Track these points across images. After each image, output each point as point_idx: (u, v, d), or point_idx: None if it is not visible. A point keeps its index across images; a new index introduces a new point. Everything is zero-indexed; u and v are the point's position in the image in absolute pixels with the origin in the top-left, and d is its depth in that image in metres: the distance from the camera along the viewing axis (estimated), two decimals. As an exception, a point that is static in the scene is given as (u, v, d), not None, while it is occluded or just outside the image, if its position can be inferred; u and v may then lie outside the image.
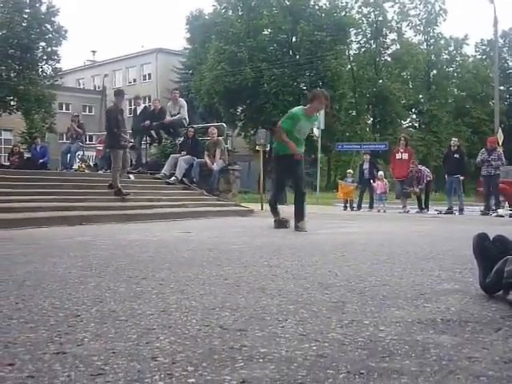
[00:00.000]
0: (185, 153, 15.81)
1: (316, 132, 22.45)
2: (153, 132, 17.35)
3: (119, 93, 13.39)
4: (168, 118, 16.92)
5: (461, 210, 16.96)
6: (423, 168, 18.16)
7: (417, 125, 59.57)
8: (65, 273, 4.04)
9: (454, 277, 3.96)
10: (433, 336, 2.33)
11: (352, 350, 2.11)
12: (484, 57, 61.91)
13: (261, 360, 1.97)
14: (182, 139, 16.88)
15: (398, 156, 17.76)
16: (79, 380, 1.74)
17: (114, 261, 4.73)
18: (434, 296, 3.23)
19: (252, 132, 46.25)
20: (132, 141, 12.64)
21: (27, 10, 41.42)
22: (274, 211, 9.40)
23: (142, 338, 2.24)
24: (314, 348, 2.13)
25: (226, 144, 17.34)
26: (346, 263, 4.70)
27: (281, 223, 9.24)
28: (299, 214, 8.90)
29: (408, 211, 17.31)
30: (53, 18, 42.46)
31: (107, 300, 3.05)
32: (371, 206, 19.08)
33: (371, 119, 56.97)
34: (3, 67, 41.15)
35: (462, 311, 2.84)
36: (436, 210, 17.64)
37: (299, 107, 9.37)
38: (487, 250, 3.29)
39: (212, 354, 2.04)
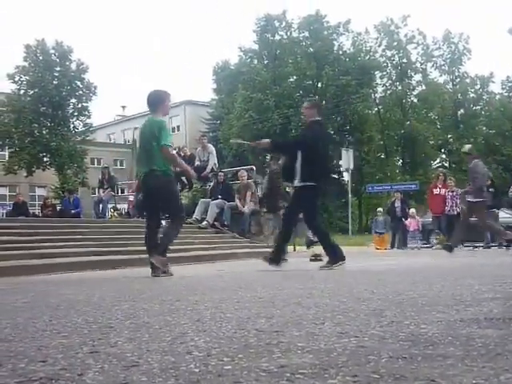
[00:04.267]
0: (216, 197, 15.84)
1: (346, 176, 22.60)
2: (183, 178, 17.43)
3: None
4: (197, 163, 17.02)
5: (500, 244, 16.52)
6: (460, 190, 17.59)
7: (447, 164, 59.03)
8: (98, 300, 4.01)
9: (494, 289, 3.84)
10: (477, 330, 2.24)
11: (394, 343, 2.03)
12: (511, 94, 61.53)
13: (299, 351, 1.91)
14: (212, 184, 16.93)
15: (436, 191, 17.44)
16: (113, 370, 1.69)
17: (147, 289, 4.70)
18: (475, 302, 3.12)
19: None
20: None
21: (58, 69, 42.58)
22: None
23: (176, 340, 2.19)
24: (354, 342, 2.06)
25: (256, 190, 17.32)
26: (382, 284, 4.60)
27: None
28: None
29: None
30: (82, 75, 43.62)
31: (141, 315, 3.00)
32: (405, 244, 18.85)
33: (400, 161, 56.72)
34: (36, 125, 42.16)
35: (506, 312, 2.74)
36: (472, 245, 17.31)
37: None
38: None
39: (248, 348, 1.98)
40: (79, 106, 44.08)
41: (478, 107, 59.58)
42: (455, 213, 16.71)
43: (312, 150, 7.37)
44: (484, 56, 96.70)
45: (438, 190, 17.38)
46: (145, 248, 7.19)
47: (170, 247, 7.27)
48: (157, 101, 7.06)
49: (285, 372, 1.62)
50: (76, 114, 44.41)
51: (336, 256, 7.39)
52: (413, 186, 32.85)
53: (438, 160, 59.48)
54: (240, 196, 15.69)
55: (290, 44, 51.64)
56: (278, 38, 52.90)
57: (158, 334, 2.36)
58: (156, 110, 7.05)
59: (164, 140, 6.70)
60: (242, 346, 2.02)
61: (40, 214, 21.86)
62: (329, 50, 49.28)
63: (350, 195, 31.02)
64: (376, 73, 52.59)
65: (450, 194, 16.95)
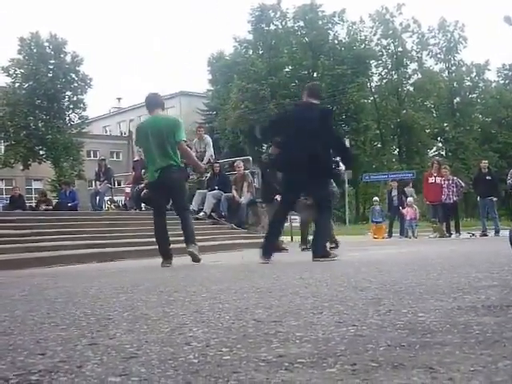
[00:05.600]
0: (213, 188, 15.83)
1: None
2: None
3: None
4: (194, 154, 16.98)
5: (496, 232, 16.47)
6: (455, 178, 17.59)
7: (443, 153, 59.00)
8: (96, 292, 4.01)
9: (491, 276, 3.85)
10: (475, 318, 2.25)
11: (391, 331, 2.04)
12: (507, 81, 61.49)
13: (297, 341, 1.91)
14: (208, 175, 16.91)
15: (431, 180, 17.35)
16: (112, 362, 1.70)
17: (145, 281, 4.71)
18: (472, 290, 3.13)
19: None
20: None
21: (52, 61, 42.41)
22: None
23: (174, 331, 2.19)
24: (352, 331, 2.07)
25: (253, 180, 17.28)
26: (379, 273, 4.61)
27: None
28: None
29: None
30: (77, 68, 43.48)
31: (139, 307, 3.01)
32: (402, 233, 18.86)
33: (397, 150, 56.73)
34: (31, 118, 42.05)
35: (503, 299, 2.75)
36: (469, 233, 17.34)
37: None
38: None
39: (246, 338, 1.99)
40: (74, 98, 43.94)
41: (474, 95, 59.62)
42: (451, 201, 16.72)
43: (277, 135, 7.31)
44: (480, 44, 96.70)
45: (434, 178, 17.30)
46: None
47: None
48: (155, 103, 7.46)
49: (283, 361, 1.63)
50: (71, 106, 44.25)
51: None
52: (409, 175, 32.85)
53: (434, 148, 59.50)
54: (237, 187, 15.65)
55: (285, 34, 51.58)
56: (273, 28, 52.78)
57: (156, 325, 2.36)
58: (155, 110, 7.40)
59: (182, 136, 7.17)
60: (240, 336, 2.03)
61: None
62: (324, 40, 49.25)
63: (346, 185, 31.03)
64: (371, 62, 52.60)
65: (446, 182, 16.91)
